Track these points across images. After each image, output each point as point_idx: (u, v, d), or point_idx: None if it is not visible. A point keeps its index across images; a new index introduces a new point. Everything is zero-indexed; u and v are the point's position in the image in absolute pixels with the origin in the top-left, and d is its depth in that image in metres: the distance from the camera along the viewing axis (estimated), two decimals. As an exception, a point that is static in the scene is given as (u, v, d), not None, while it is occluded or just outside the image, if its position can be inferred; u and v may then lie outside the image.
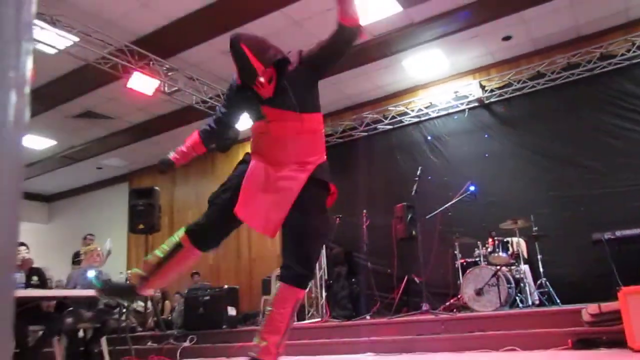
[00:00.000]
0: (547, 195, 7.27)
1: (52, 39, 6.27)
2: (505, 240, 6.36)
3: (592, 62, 7.32)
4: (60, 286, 6.31)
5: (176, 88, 7.54)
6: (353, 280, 7.60)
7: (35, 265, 6.38)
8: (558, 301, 5.79)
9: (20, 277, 5.39)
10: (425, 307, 5.91)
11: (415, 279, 6.80)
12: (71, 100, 8.60)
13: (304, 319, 7.78)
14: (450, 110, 8.49)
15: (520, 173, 7.58)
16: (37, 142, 10.07)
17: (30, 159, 10.62)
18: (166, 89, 7.46)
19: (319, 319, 7.16)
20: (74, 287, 6.08)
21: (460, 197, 6.72)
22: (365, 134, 9.20)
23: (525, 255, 6.54)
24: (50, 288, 6.15)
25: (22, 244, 6.05)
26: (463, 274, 6.29)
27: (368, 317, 6.54)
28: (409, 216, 6.80)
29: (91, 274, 6.26)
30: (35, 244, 6.11)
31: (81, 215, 13.25)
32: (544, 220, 6.58)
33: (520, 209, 6.70)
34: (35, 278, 5.89)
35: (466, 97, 8.29)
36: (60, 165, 11.68)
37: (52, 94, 8.06)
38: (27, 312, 5.58)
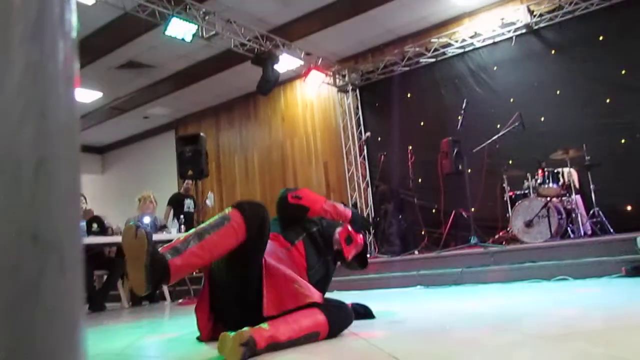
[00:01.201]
0: (599, 123, 6.98)
1: (88, -12, 6.30)
2: (555, 171, 6.20)
3: (649, -23, 6.81)
4: (119, 233, 6.61)
5: (214, 32, 7.50)
6: (400, 217, 7.64)
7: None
8: (611, 230, 5.68)
9: (82, 226, 5.67)
10: (473, 240, 5.92)
11: (463, 213, 6.78)
12: (113, 51, 8.71)
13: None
14: (497, 39, 8.16)
15: (571, 101, 7.28)
16: (84, 95, 10.32)
17: (80, 112, 10.94)
18: (204, 33, 7.43)
19: (368, 256, 7.28)
20: (132, 233, 6.36)
21: (509, 128, 6.55)
22: (408, 68, 8.98)
23: (577, 186, 6.38)
24: (110, 235, 6.44)
25: (81, 196, 6.34)
26: (512, 207, 6.21)
27: (416, 252, 6.61)
28: (455, 151, 6.70)
29: (147, 220, 6.52)
30: (91, 194, 6.39)
31: (133, 165, 13.69)
32: (596, 149, 6.34)
33: (571, 139, 6.49)
34: (95, 226, 6.19)
35: (513, 23, 7.92)
36: (108, 117, 11.99)
37: (93, 46, 8.18)
38: (91, 259, 5.92)
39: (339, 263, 2.98)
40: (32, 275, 0.31)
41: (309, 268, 2.63)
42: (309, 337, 2.14)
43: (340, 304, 2.39)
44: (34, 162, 0.31)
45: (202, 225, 2.19)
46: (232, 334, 1.90)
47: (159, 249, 2.00)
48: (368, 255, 3.24)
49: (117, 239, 6.35)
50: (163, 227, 6.66)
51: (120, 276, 6.34)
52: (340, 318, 2.32)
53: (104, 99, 10.79)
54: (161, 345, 2.72)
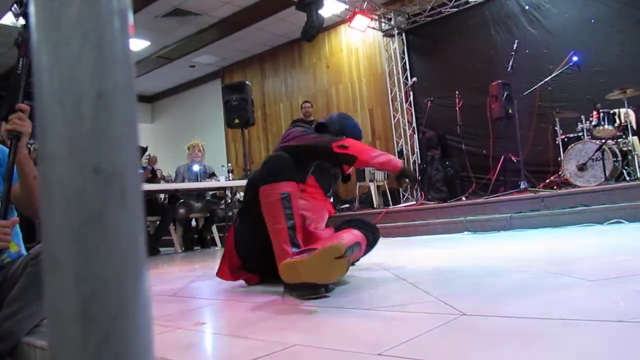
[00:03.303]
0: (661, 60, 6.60)
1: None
2: (611, 112, 5.93)
3: None
4: (170, 180, 6.83)
5: (257, -22, 7.39)
6: (447, 163, 7.53)
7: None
8: (670, 172, 5.45)
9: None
10: (523, 185, 5.80)
11: (513, 158, 6.62)
12: (159, -1, 8.74)
13: (399, 203, 7.94)
14: (552, -27, 7.70)
15: (629, 38, 6.86)
16: (133, 44, 10.44)
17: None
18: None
19: (414, 202, 7.27)
20: (182, 181, 6.54)
21: (562, 69, 6.27)
22: (456, 9, 8.64)
23: (635, 127, 6.10)
24: (162, 181, 6.65)
25: (145, 148, 6.50)
26: (564, 151, 6.02)
27: (464, 199, 6.54)
28: (505, 94, 6.49)
29: (196, 168, 6.69)
30: (142, 142, 6.55)
31: (181, 114, 13.93)
32: (657, 88, 6.03)
33: (629, 77, 6.18)
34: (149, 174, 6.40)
35: (570, -44, 7.44)
36: (156, 66, 12.13)
37: (141, -7, 8.23)
38: (145, 205, 6.15)
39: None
40: (96, 206, 0.33)
41: (325, 192, 2.88)
42: (354, 248, 2.32)
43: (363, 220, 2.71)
44: (93, 94, 0.33)
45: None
46: (312, 253, 1.98)
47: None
48: (414, 202, 3.27)
49: (168, 186, 6.56)
50: (212, 175, 6.82)
51: (172, 221, 6.58)
52: (371, 229, 2.65)
53: (152, 47, 10.90)
54: (213, 287, 2.84)
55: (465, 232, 4.98)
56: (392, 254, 2.88)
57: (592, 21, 7.20)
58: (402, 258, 2.67)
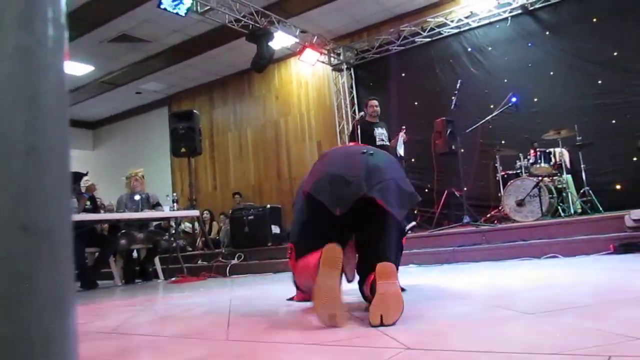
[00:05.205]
0: (591, 104, 7.03)
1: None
2: (547, 151, 6.24)
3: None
4: (111, 210, 6.60)
5: (209, 7, 7.41)
6: (393, 196, 7.62)
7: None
8: (601, 209, 5.74)
9: (74, 202, 5.64)
10: (466, 219, 5.96)
11: (456, 192, 6.81)
12: (106, 23, 8.58)
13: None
14: (492, 19, 8.11)
15: (564, 82, 7.30)
16: (76, 68, 10.17)
17: (70, 85, 10.75)
18: (199, 8, 7.34)
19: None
20: (124, 210, 6.34)
21: (502, 109, 6.55)
22: (403, 48, 8.93)
23: (569, 165, 6.43)
24: (102, 212, 6.42)
25: (84, 174, 6.27)
26: (504, 186, 6.25)
27: (409, 232, 6.62)
28: (449, 130, 6.71)
29: (138, 197, 6.51)
30: (82, 170, 6.33)
31: (125, 141, 13.60)
32: (588, 129, 6.42)
33: (563, 119, 6.54)
34: (88, 203, 6.16)
35: (509, 4, 7.87)
36: (100, 91, 11.86)
37: (85, 18, 8.06)
38: (83, 235, 5.91)
39: None
40: (24, 265, 0.31)
41: None
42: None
43: None
44: (24, 150, 0.31)
45: None
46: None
47: None
48: None
49: (109, 216, 6.35)
50: (156, 205, 6.65)
51: (112, 253, 6.35)
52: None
53: (96, 72, 10.66)
54: (155, 322, 2.74)
55: (411, 265, 5.04)
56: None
57: (529, 65, 7.61)
58: (349, 290, 2.67)
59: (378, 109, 6.71)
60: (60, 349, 0.32)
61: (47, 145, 0.33)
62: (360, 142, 5.62)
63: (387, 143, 6.52)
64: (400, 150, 6.50)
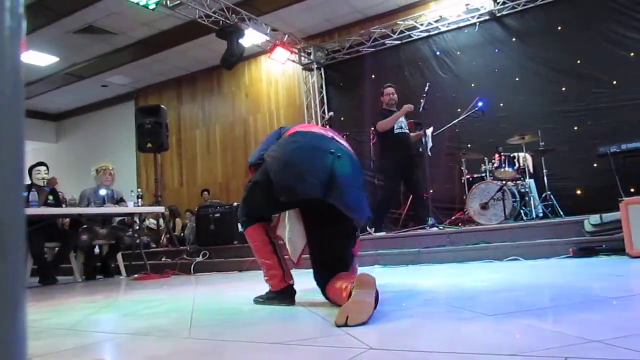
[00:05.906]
0: (554, 110, 7.24)
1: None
2: (512, 155, 6.36)
3: (610, -31, 6.98)
4: (73, 204, 6.43)
5: (179, 1, 7.31)
6: (360, 196, 7.64)
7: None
8: (562, 213, 5.89)
9: (33, 195, 5.48)
10: (431, 221, 6.03)
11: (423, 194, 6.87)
12: (72, 14, 8.38)
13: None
14: (461, 24, 8.25)
15: (529, 88, 7.49)
16: (39, 59, 9.91)
17: (33, 76, 10.50)
18: (168, 2, 7.24)
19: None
20: (87, 205, 6.20)
21: (468, 113, 6.67)
22: (373, 49, 8.99)
23: (532, 170, 6.57)
24: (64, 206, 6.26)
25: (43, 164, 6.09)
26: (469, 189, 6.35)
27: (373, 232, 6.67)
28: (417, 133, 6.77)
29: (103, 192, 6.38)
30: (43, 161, 6.17)
31: (89, 134, 13.32)
32: (550, 135, 6.61)
33: (528, 124, 6.68)
34: (50, 197, 5.99)
35: (477, 9, 8.02)
36: (64, 83, 11.59)
37: (51, 6, 7.87)
38: (43, 230, 5.75)
39: None
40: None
41: None
42: None
43: None
44: None
45: None
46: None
47: None
48: None
49: (71, 210, 6.20)
50: (120, 200, 6.52)
51: (73, 248, 6.20)
52: None
53: (60, 63, 10.41)
54: (115, 319, 2.69)
55: (376, 265, 5.08)
56: (302, 286, 2.87)
57: (496, 70, 7.77)
58: (313, 290, 2.68)
59: (395, 96, 6.65)
60: (7, 349, 0.30)
61: (1, 135, 0.32)
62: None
63: (407, 131, 6.55)
64: (430, 143, 6.37)
